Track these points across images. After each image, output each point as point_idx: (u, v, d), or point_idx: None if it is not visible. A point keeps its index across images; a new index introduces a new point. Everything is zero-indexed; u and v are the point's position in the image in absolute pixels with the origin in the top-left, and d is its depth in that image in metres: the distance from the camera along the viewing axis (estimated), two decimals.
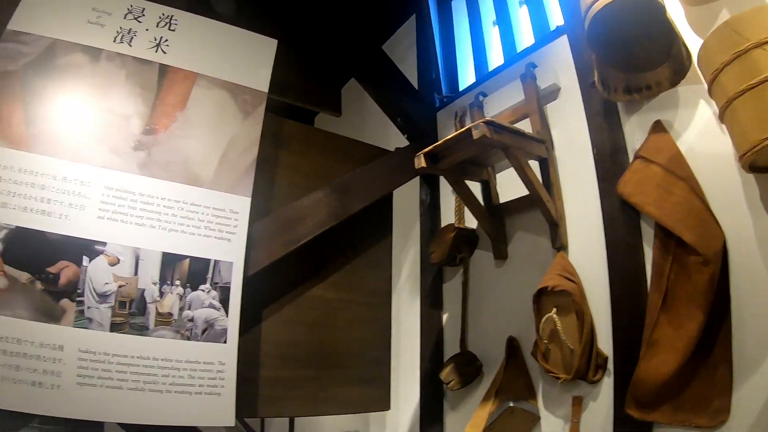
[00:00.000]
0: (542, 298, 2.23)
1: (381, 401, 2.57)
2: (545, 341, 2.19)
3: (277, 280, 2.36)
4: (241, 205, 2.29)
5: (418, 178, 2.72)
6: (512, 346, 2.44)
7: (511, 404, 2.40)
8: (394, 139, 2.80)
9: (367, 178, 2.48)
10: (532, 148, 2.31)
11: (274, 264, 2.31)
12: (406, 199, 2.83)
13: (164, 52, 2.42)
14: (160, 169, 2.25)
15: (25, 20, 2.26)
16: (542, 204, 2.27)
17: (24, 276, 2.03)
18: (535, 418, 2.32)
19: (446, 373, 2.53)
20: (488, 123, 2.08)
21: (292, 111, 2.71)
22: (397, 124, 2.89)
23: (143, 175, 2.23)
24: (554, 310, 2.16)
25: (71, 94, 2.26)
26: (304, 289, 2.45)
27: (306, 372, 2.41)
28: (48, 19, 2.29)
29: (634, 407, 1.88)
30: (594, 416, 2.09)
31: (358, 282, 2.52)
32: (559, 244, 2.30)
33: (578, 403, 2.15)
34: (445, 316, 2.70)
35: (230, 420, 2.17)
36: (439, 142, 2.22)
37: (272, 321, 2.38)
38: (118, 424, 2.12)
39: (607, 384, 2.06)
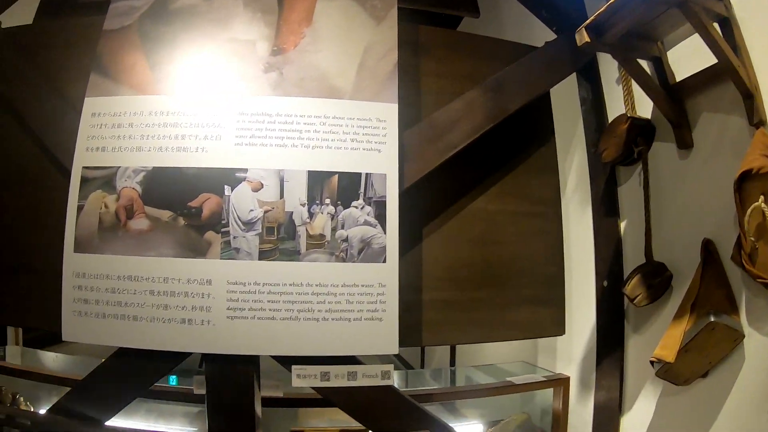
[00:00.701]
0: (745, 185, 1.85)
1: (556, 325, 2.27)
2: (751, 238, 1.82)
3: (434, 193, 2.13)
4: (388, 112, 2.08)
5: (574, 76, 2.42)
6: (708, 251, 2.05)
7: (712, 319, 2.03)
8: (538, 41, 2.50)
9: (521, 75, 2.19)
10: (709, 4, 1.96)
11: (429, 175, 2.08)
12: (563, 103, 2.52)
13: None
14: (295, 87, 2.09)
15: None
16: (733, 72, 1.90)
17: (166, 214, 1.98)
18: (739, 337, 1.94)
19: (632, 287, 2.19)
20: None
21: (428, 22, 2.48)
22: (541, 17, 2.58)
23: (277, 95, 2.08)
24: (761, 198, 1.78)
25: (191, 32, 2.18)
26: (465, 202, 2.19)
27: (472, 294, 2.16)
28: None
29: None
30: None
31: (522, 191, 2.24)
32: (757, 119, 1.91)
33: None
34: (623, 224, 2.36)
35: (393, 347, 1.99)
36: (602, 8, 1.92)
37: (433, 239, 2.15)
38: (272, 357, 2.01)
39: None
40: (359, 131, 2.05)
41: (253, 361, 2.03)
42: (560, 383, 2.58)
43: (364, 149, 2.04)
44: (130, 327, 2.00)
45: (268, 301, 1.95)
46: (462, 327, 2.15)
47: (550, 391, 2.66)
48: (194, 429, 2.63)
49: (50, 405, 2.82)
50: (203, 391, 2.14)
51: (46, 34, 2.34)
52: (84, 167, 2.07)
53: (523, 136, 2.28)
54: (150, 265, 1.99)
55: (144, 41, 2.18)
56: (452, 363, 3.70)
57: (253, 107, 2.07)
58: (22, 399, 2.75)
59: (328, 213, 1.99)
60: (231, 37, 2.17)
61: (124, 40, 2.18)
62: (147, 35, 2.18)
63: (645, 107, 2.25)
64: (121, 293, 2.01)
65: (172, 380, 2.80)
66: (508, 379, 2.60)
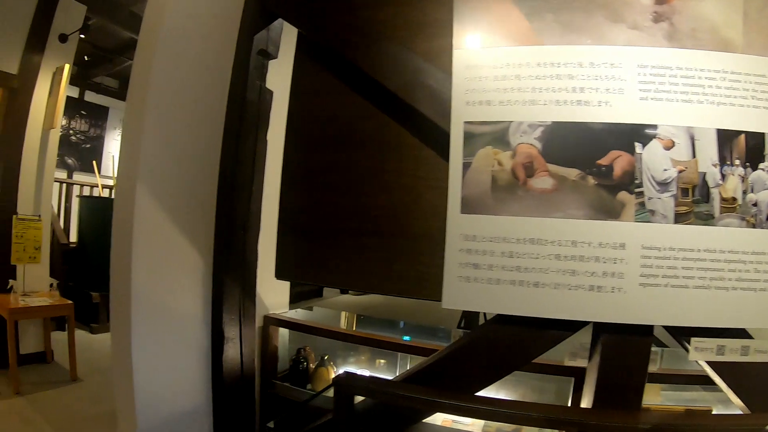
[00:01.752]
0: None
1: None
2: None
3: None
4: None
5: None
6: None
7: None
8: None
9: None
10: None
11: None
12: None
13: None
14: (688, 38, 1.95)
15: None
16: None
17: (573, 173, 1.84)
18: None
19: None
20: None
21: None
22: None
23: (673, 47, 1.94)
24: None
25: None
26: None
27: None
28: None
29: None
30: None
31: None
32: None
33: None
34: None
35: None
36: None
37: None
38: (665, 327, 1.92)
39: None
40: (758, 88, 1.94)
41: (650, 332, 1.93)
42: None
43: (765, 108, 1.94)
44: (528, 294, 1.87)
45: (682, 268, 1.85)
46: None
47: None
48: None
49: (347, 365, 2.63)
50: (575, 363, 2.03)
51: None
52: (466, 122, 1.88)
53: None
54: (556, 228, 1.85)
55: None
56: None
57: (651, 59, 1.92)
58: (327, 358, 2.54)
59: (738, 175, 1.90)
60: None
61: None
62: None
63: None
64: (521, 257, 1.86)
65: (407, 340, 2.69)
66: None
